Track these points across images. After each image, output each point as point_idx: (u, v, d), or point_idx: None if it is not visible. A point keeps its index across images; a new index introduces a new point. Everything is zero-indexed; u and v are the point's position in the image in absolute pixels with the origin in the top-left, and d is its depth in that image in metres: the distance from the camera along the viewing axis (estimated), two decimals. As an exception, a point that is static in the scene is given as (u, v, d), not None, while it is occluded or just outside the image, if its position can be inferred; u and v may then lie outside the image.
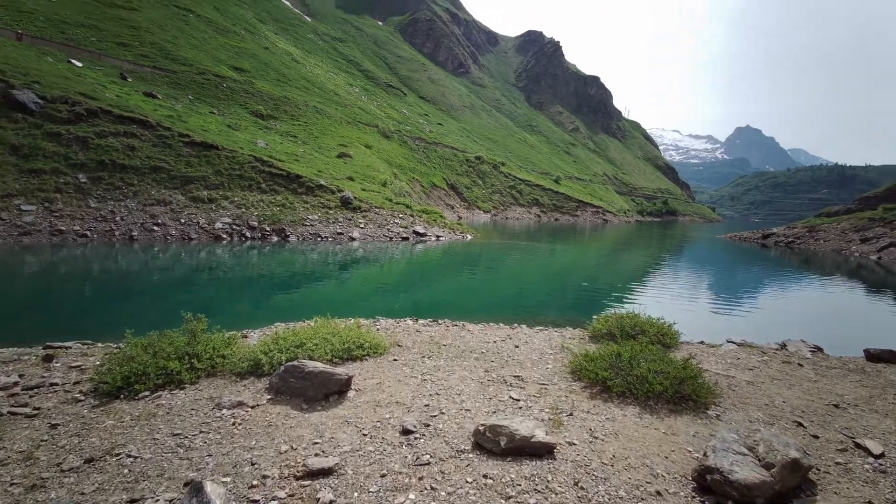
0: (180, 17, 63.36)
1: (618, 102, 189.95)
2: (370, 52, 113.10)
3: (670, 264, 27.35)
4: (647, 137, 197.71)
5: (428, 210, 34.91)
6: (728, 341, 8.82)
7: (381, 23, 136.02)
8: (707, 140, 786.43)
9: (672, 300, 15.46)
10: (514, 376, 5.93)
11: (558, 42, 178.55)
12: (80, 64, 36.34)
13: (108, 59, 41.82)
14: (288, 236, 22.11)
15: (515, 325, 9.71)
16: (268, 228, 21.96)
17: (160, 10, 61.07)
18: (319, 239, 22.94)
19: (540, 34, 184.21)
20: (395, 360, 6.40)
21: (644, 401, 5.13)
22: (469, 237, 30.77)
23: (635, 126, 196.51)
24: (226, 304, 11.73)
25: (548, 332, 8.90)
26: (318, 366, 5.03)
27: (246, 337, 7.47)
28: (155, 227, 19.17)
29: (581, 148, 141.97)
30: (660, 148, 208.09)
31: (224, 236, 20.51)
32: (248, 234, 21.13)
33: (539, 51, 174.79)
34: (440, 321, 9.49)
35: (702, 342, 8.83)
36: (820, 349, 8.28)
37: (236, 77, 52.06)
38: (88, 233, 17.92)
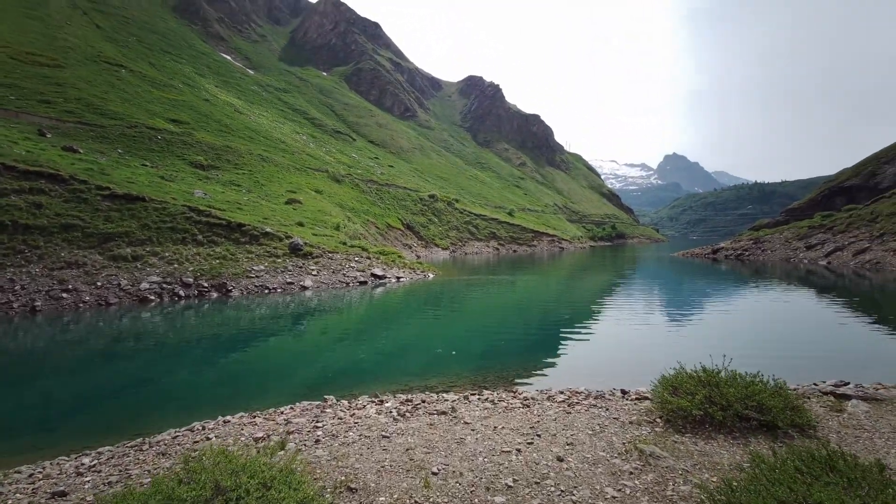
0: (111, 73, 60.62)
1: (559, 137, 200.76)
2: (316, 101, 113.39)
3: (638, 286, 27.14)
4: (590, 167, 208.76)
5: (385, 251, 33.37)
6: (830, 392, 6.50)
7: (325, 73, 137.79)
8: (641, 168, 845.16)
9: (661, 326, 14.64)
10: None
11: (498, 85, 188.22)
12: (-9, 122, 33.14)
13: (26, 117, 38.69)
14: (230, 291, 19.74)
15: (522, 392, 7.11)
16: (206, 284, 19.50)
17: (88, 66, 58.30)
18: (267, 291, 20.70)
19: (480, 78, 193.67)
20: None
21: None
22: (431, 276, 29.38)
23: (577, 158, 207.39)
24: (116, 394, 9.11)
25: (585, 408, 6.17)
26: None
27: (63, 495, 4.38)
28: (64, 294, 16.33)
29: (530, 181, 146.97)
30: (601, 177, 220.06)
31: (152, 297, 17.87)
32: (181, 293, 18.58)
33: (481, 93, 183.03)
34: (417, 402, 6.68)
35: (812, 393, 6.59)
36: None
37: (173, 129, 49.56)
38: (-22, 308, 14.93)
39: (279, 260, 23.16)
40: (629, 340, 12.37)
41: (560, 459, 4.56)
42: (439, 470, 4.38)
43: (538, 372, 9.47)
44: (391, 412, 6.13)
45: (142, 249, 19.56)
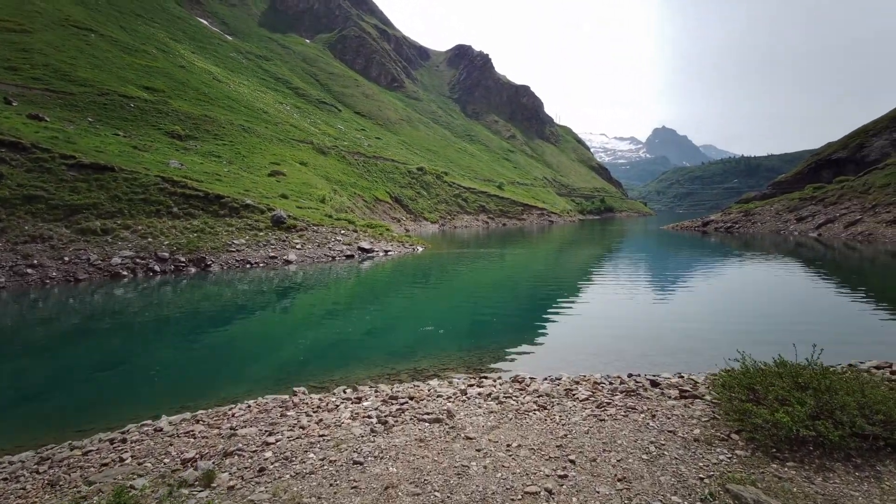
0: (80, 38, 57.03)
1: (548, 109, 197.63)
2: (299, 70, 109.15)
3: (630, 260, 26.85)
4: (579, 141, 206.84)
5: (373, 224, 32.53)
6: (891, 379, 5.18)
7: (308, 41, 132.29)
8: (630, 141, 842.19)
9: (656, 299, 14.26)
10: None
11: (487, 55, 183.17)
12: (-50, 90, 30.94)
13: (-10, 84, 36.22)
14: (209, 266, 18.87)
15: (532, 384, 5.96)
16: (183, 259, 18.58)
17: (57, 31, 54.65)
18: (248, 266, 19.86)
19: (469, 48, 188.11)
20: None
21: None
22: (420, 249, 28.74)
23: (567, 131, 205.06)
24: (74, 380, 8.24)
25: (623, 413, 4.87)
26: None
27: None
28: (29, 270, 15.33)
29: (519, 154, 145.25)
30: (591, 150, 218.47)
31: (125, 273, 16.94)
32: (156, 268, 17.65)
33: (469, 63, 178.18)
34: (403, 399, 5.51)
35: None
36: None
37: (147, 97, 47.10)
38: (-67, 285, 13.92)
39: (261, 233, 22.23)
40: (627, 315, 11.96)
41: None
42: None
43: (537, 351, 8.93)
44: (370, 417, 4.96)
45: (112, 222, 18.45)
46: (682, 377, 6.10)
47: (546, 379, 6.35)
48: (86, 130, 31.65)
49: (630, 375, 6.41)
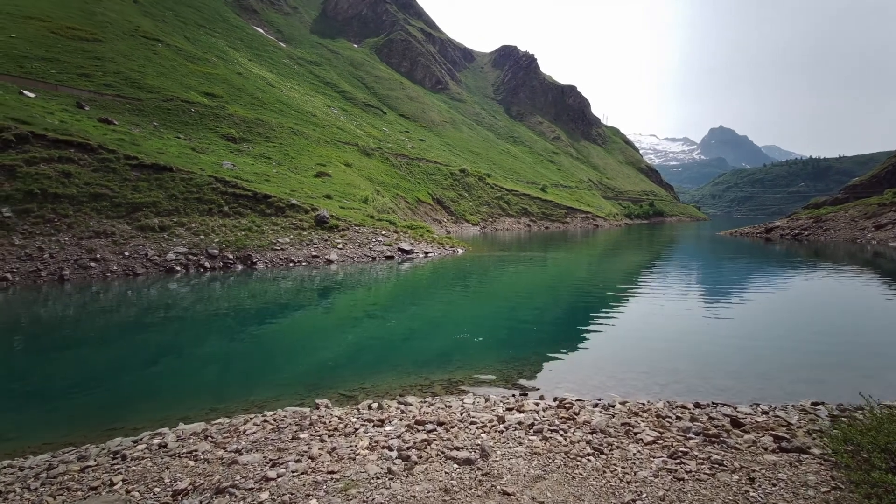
0: (148, 47, 61.32)
1: (595, 110, 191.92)
2: (347, 74, 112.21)
3: (683, 268, 25.17)
4: (627, 142, 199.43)
5: (414, 225, 32.55)
6: None
7: (356, 45, 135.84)
8: (683, 142, 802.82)
9: (714, 313, 13.10)
10: None
11: (533, 55, 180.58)
12: (33, 95, 33.93)
13: (65, 90, 39.46)
14: (255, 263, 19.44)
15: (581, 413, 5.04)
16: (231, 256, 19.26)
17: (126, 41, 59.08)
18: (292, 264, 20.30)
19: (514, 48, 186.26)
20: None
21: None
22: (460, 251, 28.39)
23: (615, 132, 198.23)
24: (122, 374, 8.63)
25: (706, 467, 3.82)
26: None
27: None
28: (92, 264, 16.37)
29: (564, 156, 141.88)
30: (640, 151, 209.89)
31: (178, 268, 17.75)
32: (207, 264, 18.40)
33: (515, 64, 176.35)
34: (431, 425, 4.78)
35: None
36: None
37: (207, 102, 49.86)
38: (9, 275, 15.10)
39: (305, 232, 22.70)
40: (680, 329, 10.93)
41: None
42: None
43: (582, 366, 8.18)
44: (390, 448, 4.29)
45: (169, 220, 19.44)
46: (767, 413, 5.11)
47: (597, 406, 5.50)
48: (150, 133, 33.80)
49: (699, 406, 5.47)
